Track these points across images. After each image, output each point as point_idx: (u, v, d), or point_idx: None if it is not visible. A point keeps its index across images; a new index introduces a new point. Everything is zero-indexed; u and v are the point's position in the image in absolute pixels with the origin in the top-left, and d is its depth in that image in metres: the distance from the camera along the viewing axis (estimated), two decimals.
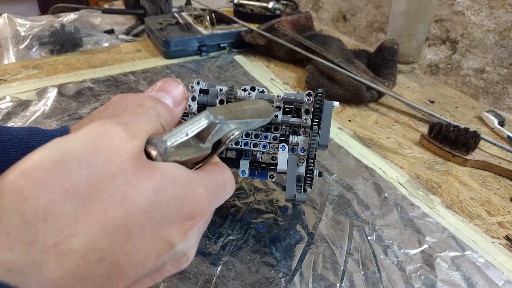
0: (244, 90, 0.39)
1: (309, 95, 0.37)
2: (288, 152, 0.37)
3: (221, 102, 0.38)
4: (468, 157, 0.50)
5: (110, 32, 0.88)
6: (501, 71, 0.93)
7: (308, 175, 0.37)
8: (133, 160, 0.18)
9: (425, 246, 0.39)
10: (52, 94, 0.62)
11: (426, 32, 0.74)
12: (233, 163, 0.39)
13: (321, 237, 0.39)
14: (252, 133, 0.38)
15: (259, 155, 0.39)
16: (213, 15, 0.82)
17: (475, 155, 0.51)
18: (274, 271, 0.35)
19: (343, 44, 0.72)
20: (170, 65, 0.73)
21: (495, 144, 0.54)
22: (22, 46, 0.76)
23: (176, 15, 0.84)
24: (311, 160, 0.36)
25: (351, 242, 0.39)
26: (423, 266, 0.36)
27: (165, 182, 0.19)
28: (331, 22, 1.44)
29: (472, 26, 0.97)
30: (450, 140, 0.51)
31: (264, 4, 0.86)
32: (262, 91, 0.39)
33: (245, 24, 0.80)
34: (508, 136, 0.56)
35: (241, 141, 0.38)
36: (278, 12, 0.85)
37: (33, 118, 0.56)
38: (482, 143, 0.53)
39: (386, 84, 0.65)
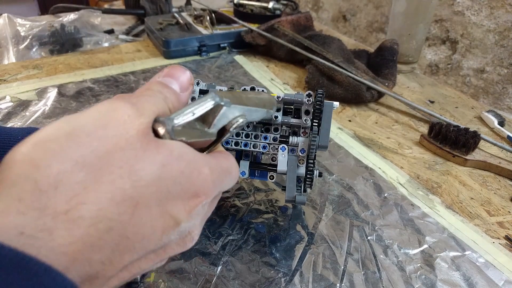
0: (244, 90, 0.39)
1: (309, 95, 0.37)
2: (288, 153, 0.37)
3: None
4: (468, 157, 0.50)
5: (110, 32, 0.88)
6: (501, 71, 0.93)
7: (308, 176, 0.37)
8: (141, 135, 0.19)
9: (425, 246, 0.39)
10: (52, 94, 0.62)
11: (426, 32, 0.74)
12: None
13: (321, 237, 0.39)
14: (252, 133, 0.38)
15: (259, 156, 0.39)
16: (213, 15, 0.82)
17: (475, 155, 0.51)
18: (274, 271, 0.35)
19: (343, 44, 0.72)
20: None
21: (495, 144, 0.54)
22: (22, 46, 0.76)
23: (176, 15, 0.84)
24: (311, 161, 0.36)
25: (351, 242, 0.39)
26: (423, 266, 0.36)
27: (172, 158, 0.20)
28: (331, 22, 1.44)
29: (472, 26, 0.97)
30: (450, 140, 0.51)
31: (264, 4, 0.86)
32: (262, 91, 0.39)
33: (245, 24, 0.80)
34: (508, 136, 0.56)
35: (241, 142, 0.38)
36: (278, 12, 0.85)
37: (33, 118, 0.56)
38: (482, 143, 0.53)
39: (386, 84, 0.65)
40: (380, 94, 0.64)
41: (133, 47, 0.80)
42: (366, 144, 0.54)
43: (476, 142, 0.51)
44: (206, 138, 0.24)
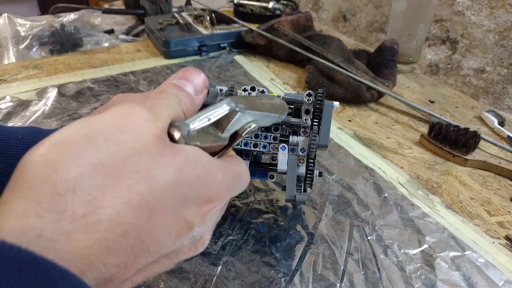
0: (244, 90, 0.39)
1: (309, 95, 0.37)
2: (288, 152, 0.37)
3: None
4: (468, 157, 0.50)
5: (110, 32, 0.88)
6: (501, 71, 0.93)
7: (308, 175, 0.37)
8: (156, 140, 0.19)
9: (425, 246, 0.39)
10: (52, 94, 0.62)
11: (426, 32, 0.74)
12: None
13: (321, 237, 0.39)
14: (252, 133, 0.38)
15: (259, 156, 0.39)
16: (213, 15, 0.82)
17: (475, 155, 0.51)
18: (274, 271, 0.35)
19: (343, 44, 0.72)
20: (170, 65, 0.73)
21: (495, 144, 0.54)
22: (22, 46, 0.76)
23: (176, 15, 0.84)
24: (311, 160, 0.36)
25: (351, 242, 0.39)
26: (423, 266, 0.36)
27: (188, 163, 0.20)
28: (331, 22, 1.44)
29: (472, 26, 0.97)
30: (450, 140, 0.51)
31: (264, 4, 0.86)
32: (262, 91, 0.39)
33: (245, 24, 0.80)
34: (508, 136, 0.56)
35: (241, 141, 0.38)
36: (278, 12, 0.85)
37: (33, 118, 0.56)
38: (482, 143, 0.53)
39: (386, 84, 0.65)
40: (380, 94, 0.64)
41: (133, 47, 0.80)
42: (366, 144, 0.54)
43: (476, 142, 0.51)
44: (219, 142, 0.24)
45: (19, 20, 0.78)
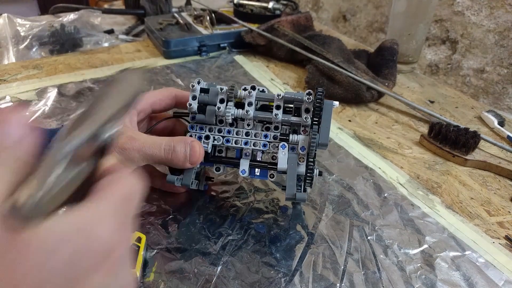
0: (244, 89, 0.39)
1: (309, 94, 0.37)
2: (288, 151, 0.37)
3: (222, 101, 0.38)
4: (468, 157, 0.50)
5: (110, 32, 0.88)
6: (501, 71, 0.93)
7: (308, 174, 0.37)
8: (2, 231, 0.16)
9: (425, 246, 0.39)
10: (52, 94, 0.62)
11: (426, 32, 0.74)
12: (233, 163, 0.39)
13: (321, 237, 0.39)
14: (252, 132, 0.38)
15: (259, 155, 0.39)
16: (213, 15, 0.82)
17: (475, 155, 0.51)
18: (274, 271, 0.35)
19: (343, 44, 0.72)
20: (170, 65, 0.73)
21: (495, 144, 0.54)
22: (22, 46, 0.76)
23: (176, 15, 0.84)
24: (311, 159, 0.36)
25: (351, 242, 0.39)
26: (423, 266, 0.36)
27: (47, 253, 0.16)
28: (331, 22, 1.44)
29: (472, 26, 0.97)
30: (450, 140, 0.51)
31: (264, 4, 0.86)
32: (263, 91, 0.39)
33: (245, 24, 0.80)
34: (508, 136, 0.56)
35: (241, 140, 0.38)
36: (278, 12, 0.85)
37: (33, 118, 0.56)
38: (482, 143, 0.53)
39: (386, 84, 0.65)
40: (380, 94, 0.64)
41: (133, 47, 0.80)
42: (366, 144, 0.54)
43: (476, 142, 0.51)
44: (83, 176, 0.19)
45: (19, 20, 0.78)
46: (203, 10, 0.86)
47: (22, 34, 0.76)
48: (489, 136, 0.55)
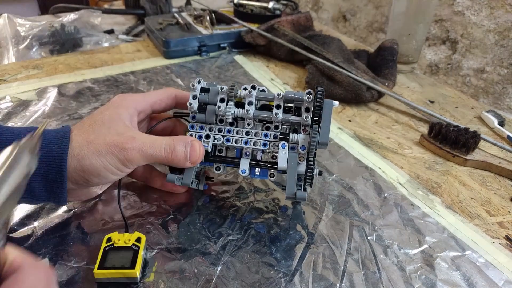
0: (245, 89, 0.39)
1: (309, 93, 0.37)
2: (288, 150, 0.37)
3: (222, 100, 0.38)
4: (468, 157, 0.50)
5: (110, 32, 0.88)
6: (501, 71, 0.93)
7: (308, 174, 0.37)
8: None
9: (425, 246, 0.39)
10: (52, 94, 0.62)
11: (426, 32, 0.74)
12: (233, 162, 0.39)
13: (321, 237, 0.39)
14: (252, 132, 0.39)
15: (259, 154, 0.39)
16: (213, 15, 0.82)
17: (475, 155, 0.51)
18: (274, 271, 0.35)
19: (343, 44, 0.72)
20: (170, 65, 0.73)
21: (495, 144, 0.54)
22: (22, 46, 0.76)
23: (176, 15, 0.84)
24: (311, 158, 0.37)
25: (351, 242, 0.38)
26: (423, 266, 0.36)
27: None
28: (331, 22, 1.44)
29: (472, 26, 0.97)
30: (450, 140, 0.51)
31: (264, 4, 0.86)
32: (263, 90, 0.39)
33: (245, 24, 0.80)
34: (508, 136, 0.56)
35: (241, 140, 0.38)
36: (278, 12, 0.85)
37: (33, 118, 0.56)
38: (482, 143, 0.53)
39: (386, 84, 0.65)
40: (380, 94, 0.64)
41: (133, 47, 0.80)
42: (366, 144, 0.54)
43: (476, 142, 0.51)
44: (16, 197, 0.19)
45: (19, 20, 0.78)
46: (203, 10, 0.86)
47: (22, 34, 0.76)
48: (489, 136, 0.55)
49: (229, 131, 0.39)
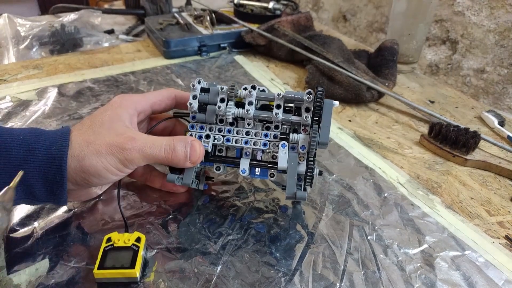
0: (245, 89, 0.39)
1: (309, 93, 0.37)
2: (288, 150, 0.37)
3: (222, 100, 0.38)
4: (468, 157, 0.50)
5: (110, 32, 0.88)
6: (501, 71, 0.93)
7: (308, 174, 0.37)
8: None
9: (425, 245, 0.39)
10: (52, 94, 0.62)
11: (426, 32, 0.74)
12: (233, 162, 0.39)
13: (321, 236, 0.39)
14: (252, 131, 0.39)
15: (259, 154, 0.39)
16: (213, 15, 0.82)
17: (475, 155, 0.51)
18: (274, 271, 0.35)
19: (343, 44, 0.72)
20: (170, 65, 0.73)
21: (495, 144, 0.54)
22: (22, 46, 0.76)
23: (176, 15, 0.85)
24: (311, 158, 0.37)
25: (351, 242, 0.39)
26: (423, 266, 0.36)
27: None
28: (331, 22, 1.44)
29: (472, 26, 0.97)
30: (450, 140, 0.51)
31: (264, 4, 0.86)
32: (263, 90, 0.39)
33: (245, 24, 0.80)
34: (508, 136, 0.56)
35: (242, 139, 0.38)
36: (278, 12, 0.85)
37: (33, 118, 0.56)
38: (482, 143, 0.53)
39: (386, 84, 0.65)
40: (380, 94, 0.64)
41: (133, 47, 0.80)
42: (366, 144, 0.54)
43: (476, 142, 0.51)
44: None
45: (19, 20, 0.78)
46: (203, 10, 0.86)
47: (23, 34, 0.76)
48: (489, 136, 0.55)
49: (229, 131, 0.39)
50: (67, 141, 0.33)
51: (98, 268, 0.32)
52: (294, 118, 0.38)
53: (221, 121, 0.39)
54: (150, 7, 0.90)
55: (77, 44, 0.79)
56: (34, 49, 0.76)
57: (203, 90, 0.39)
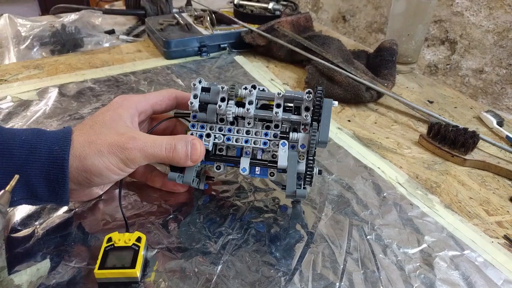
0: (245, 88, 0.39)
1: (309, 92, 0.37)
2: (288, 148, 0.37)
3: (223, 99, 0.39)
4: (467, 157, 0.51)
5: (111, 32, 0.88)
6: (500, 72, 0.93)
7: (308, 172, 0.37)
8: None
9: (424, 245, 0.39)
10: (53, 94, 0.62)
11: (425, 33, 0.74)
12: (233, 161, 0.40)
13: (321, 236, 0.39)
14: (252, 131, 0.39)
15: (259, 153, 0.39)
16: (213, 15, 0.83)
17: (474, 155, 0.51)
18: (274, 270, 0.35)
19: (342, 45, 0.72)
20: (171, 66, 0.74)
21: (494, 144, 0.54)
22: (23, 46, 0.76)
23: (176, 15, 0.85)
24: (311, 157, 0.37)
25: (350, 242, 0.39)
26: (422, 266, 0.37)
27: None
28: (330, 22, 1.45)
29: (471, 26, 0.97)
30: (449, 140, 0.52)
31: (264, 5, 0.86)
32: (263, 90, 0.39)
33: (245, 24, 0.81)
34: (507, 136, 0.56)
35: (242, 138, 0.39)
36: (278, 12, 0.85)
37: (34, 118, 0.56)
38: (481, 143, 0.53)
39: (385, 84, 0.65)
40: (380, 94, 0.64)
41: (133, 48, 0.81)
42: (366, 144, 0.54)
43: (475, 142, 0.51)
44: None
45: (20, 21, 0.78)
46: (203, 10, 0.86)
47: (23, 34, 0.76)
48: (488, 136, 0.56)
49: (229, 130, 0.39)
50: (69, 141, 0.33)
51: (99, 268, 0.32)
52: (294, 117, 0.38)
53: (222, 120, 0.39)
54: (151, 8, 0.90)
55: (78, 44, 0.79)
56: (34, 49, 0.76)
57: (204, 89, 0.40)
